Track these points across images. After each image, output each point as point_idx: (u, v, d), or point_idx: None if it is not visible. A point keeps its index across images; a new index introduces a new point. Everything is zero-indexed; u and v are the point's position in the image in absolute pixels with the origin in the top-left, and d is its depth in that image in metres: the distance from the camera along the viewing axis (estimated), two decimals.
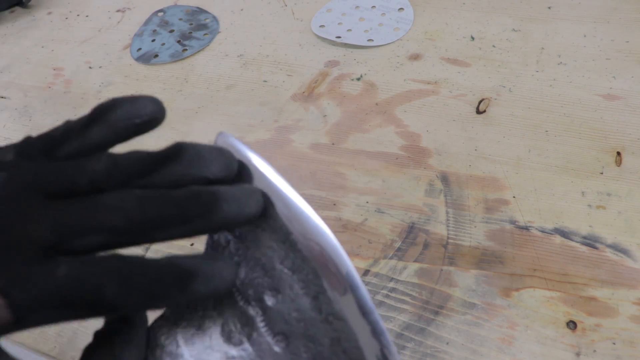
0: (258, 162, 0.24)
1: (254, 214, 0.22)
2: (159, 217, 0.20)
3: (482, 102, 0.52)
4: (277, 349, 0.22)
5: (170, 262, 0.21)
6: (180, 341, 0.24)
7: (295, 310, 0.22)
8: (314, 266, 0.22)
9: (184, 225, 0.21)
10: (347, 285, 0.22)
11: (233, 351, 0.23)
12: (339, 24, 0.64)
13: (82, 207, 0.20)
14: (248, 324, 0.23)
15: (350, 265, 0.22)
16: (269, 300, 0.22)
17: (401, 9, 0.64)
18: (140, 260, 0.20)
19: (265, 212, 0.23)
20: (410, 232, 0.43)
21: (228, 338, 0.23)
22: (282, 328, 0.22)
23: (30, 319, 0.18)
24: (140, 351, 0.23)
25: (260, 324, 0.23)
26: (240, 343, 0.23)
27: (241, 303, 0.23)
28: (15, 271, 0.18)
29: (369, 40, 0.61)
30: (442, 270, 0.40)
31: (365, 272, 0.41)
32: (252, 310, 0.23)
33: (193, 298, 0.20)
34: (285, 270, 0.22)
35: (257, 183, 0.23)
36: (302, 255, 0.22)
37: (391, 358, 0.21)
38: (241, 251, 0.23)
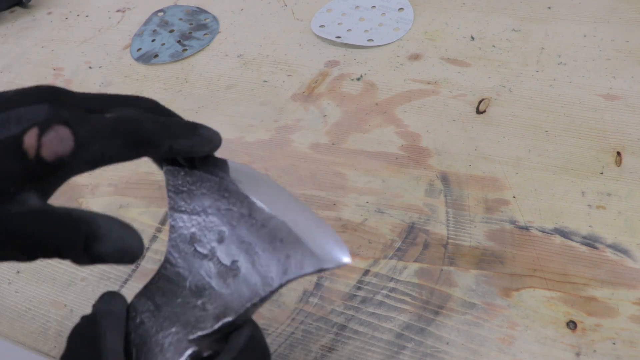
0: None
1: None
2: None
3: (482, 102, 0.52)
4: (235, 278, 0.26)
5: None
6: (159, 301, 0.27)
7: (238, 238, 0.26)
8: (242, 190, 0.26)
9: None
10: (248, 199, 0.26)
11: (203, 300, 0.27)
12: (339, 24, 0.64)
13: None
14: (207, 273, 0.27)
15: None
16: (217, 243, 0.27)
17: (401, 9, 0.64)
18: None
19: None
20: (410, 232, 0.43)
21: (197, 291, 0.27)
22: (230, 258, 0.26)
23: (87, 149, 0.22)
24: (121, 326, 0.26)
25: (215, 268, 0.27)
26: (206, 290, 0.27)
27: (199, 259, 0.27)
28: (76, 115, 0.23)
29: (369, 40, 0.61)
30: (442, 270, 0.40)
31: (365, 272, 0.41)
32: (207, 260, 0.27)
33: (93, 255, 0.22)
34: (221, 211, 0.27)
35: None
36: (230, 189, 0.27)
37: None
38: (193, 215, 0.28)
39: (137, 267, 0.45)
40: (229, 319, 0.25)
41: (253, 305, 0.25)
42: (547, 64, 0.54)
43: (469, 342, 0.37)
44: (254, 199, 0.26)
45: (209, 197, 0.27)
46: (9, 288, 0.46)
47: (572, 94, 0.51)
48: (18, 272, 0.46)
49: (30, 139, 0.21)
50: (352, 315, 0.39)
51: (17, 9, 0.80)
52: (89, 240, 0.22)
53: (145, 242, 0.46)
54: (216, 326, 0.25)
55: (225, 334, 0.26)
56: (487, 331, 0.37)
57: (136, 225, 0.48)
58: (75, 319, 0.42)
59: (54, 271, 0.46)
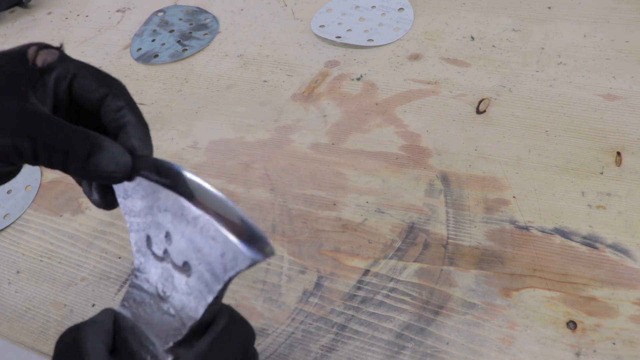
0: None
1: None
2: None
3: (482, 102, 0.52)
4: (189, 277, 0.26)
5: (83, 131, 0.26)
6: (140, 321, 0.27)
7: (181, 237, 0.26)
8: (171, 190, 0.26)
9: None
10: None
11: (168, 305, 0.27)
12: (339, 24, 0.64)
13: None
14: (167, 276, 0.27)
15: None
16: (167, 244, 0.26)
17: (401, 9, 0.64)
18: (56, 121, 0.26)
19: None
20: (410, 232, 0.43)
21: (164, 296, 0.27)
22: (181, 259, 0.26)
23: (65, 65, 0.28)
24: (103, 332, 0.27)
25: (172, 269, 0.26)
26: (170, 293, 0.27)
27: (158, 262, 0.27)
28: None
29: (369, 40, 0.61)
30: (442, 270, 0.40)
31: (365, 272, 0.41)
32: (165, 263, 0.27)
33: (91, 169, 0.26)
34: (161, 212, 0.27)
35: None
36: (160, 190, 0.27)
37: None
38: (140, 218, 0.28)
39: None
40: (195, 319, 0.25)
41: (212, 303, 0.25)
42: (547, 64, 0.54)
43: (469, 342, 0.37)
44: (181, 199, 0.25)
45: (148, 200, 0.27)
46: (9, 288, 0.46)
47: (572, 94, 0.51)
48: (18, 272, 0.46)
49: (31, 51, 0.28)
50: (352, 315, 0.39)
51: (17, 9, 0.80)
52: (94, 148, 0.25)
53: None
54: (185, 331, 0.25)
55: (199, 331, 0.26)
56: (487, 331, 0.37)
57: None
58: (76, 319, 0.42)
59: (54, 271, 0.46)
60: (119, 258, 0.46)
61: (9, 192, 0.53)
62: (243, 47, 0.64)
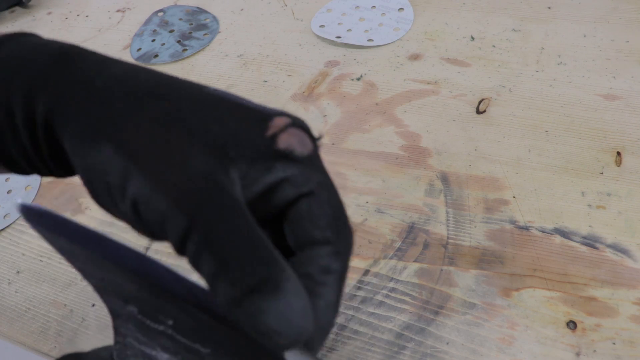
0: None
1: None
2: None
3: (482, 102, 0.52)
4: (205, 350, 0.22)
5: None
6: None
7: (186, 323, 0.22)
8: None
9: None
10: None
11: None
12: (339, 24, 0.64)
13: None
14: (173, 339, 0.23)
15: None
16: (166, 320, 0.22)
17: (401, 9, 0.64)
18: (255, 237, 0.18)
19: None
20: (410, 232, 0.43)
21: (170, 352, 0.23)
22: (194, 337, 0.22)
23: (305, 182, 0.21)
24: None
25: (179, 337, 0.22)
26: (178, 353, 0.23)
27: (154, 326, 0.23)
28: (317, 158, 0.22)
29: (369, 40, 0.61)
30: (442, 270, 0.40)
31: (365, 272, 0.41)
32: (165, 330, 0.23)
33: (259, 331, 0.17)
34: (153, 297, 0.22)
35: None
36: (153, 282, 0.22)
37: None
38: (118, 292, 0.23)
39: None
40: None
41: None
42: (547, 64, 0.54)
43: (469, 342, 0.37)
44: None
45: (125, 281, 0.22)
46: (9, 288, 0.46)
47: (572, 94, 0.51)
48: (18, 272, 0.46)
49: (279, 121, 0.20)
50: (352, 315, 0.39)
51: (17, 9, 0.80)
52: (268, 284, 0.17)
53: (145, 242, 0.46)
54: None
55: None
56: (487, 331, 0.37)
57: None
58: (76, 319, 0.42)
59: (54, 271, 0.46)
60: None
61: (9, 192, 0.53)
62: (243, 47, 0.64)
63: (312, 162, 0.21)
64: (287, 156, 0.19)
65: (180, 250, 0.18)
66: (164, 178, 0.18)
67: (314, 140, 0.21)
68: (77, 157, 0.20)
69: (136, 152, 0.18)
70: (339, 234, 0.20)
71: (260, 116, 0.20)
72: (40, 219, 0.21)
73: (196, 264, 0.18)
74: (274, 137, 0.20)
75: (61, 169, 0.23)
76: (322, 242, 0.20)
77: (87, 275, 0.23)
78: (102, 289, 0.23)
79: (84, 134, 0.19)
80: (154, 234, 0.19)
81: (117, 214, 0.20)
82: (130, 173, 0.18)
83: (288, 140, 0.20)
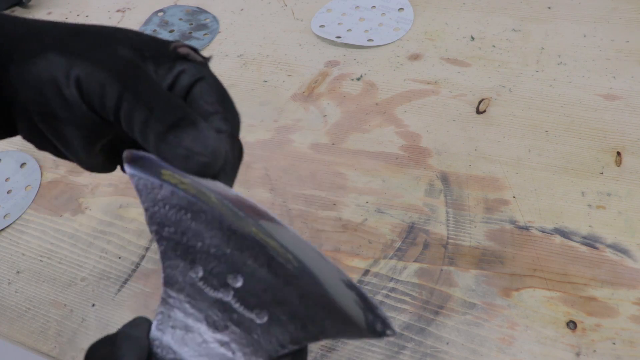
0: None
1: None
2: None
3: (482, 102, 0.52)
4: (259, 321, 0.24)
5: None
6: (175, 347, 0.25)
7: (258, 283, 0.23)
8: (257, 239, 0.23)
9: None
10: (289, 246, 0.23)
11: (224, 337, 0.24)
12: (339, 24, 0.64)
13: None
14: (226, 310, 0.24)
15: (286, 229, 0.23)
16: (234, 283, 0.24)
17: (401, 9, 0.64)
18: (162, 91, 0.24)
19: (197, 207, 0.24)
20: (410, 232, 0.43)
21: (215, 327, 0.24)
22: (256, 302, 0.24)
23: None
24: (141, 354, 0.24)
25: (236, 306, 0.24)
26: (226, 328, 0.24)
27: (212, 294, 0.24)
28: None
29: (369, 40, 0.61)
30: (442, 270, 0.40)
31: (365, 272, 0.41)
32: (224, 297, 0.24)
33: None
34: (235, 252, 0.24)
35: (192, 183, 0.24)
36: (242, 234, 0.23)
37: (350, 283, 0.22)
38: (191, 250, 0.24)
39: (136, 267, 0.45)
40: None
41: (285, 355, 0.24)
42: (547, 64, 0.54)
43: (469, 342, 0.37)
44: (272, 253, 0.23)
45: (209, 233, 0.24)
46: (9, 288, 0.46)
47: (572, 94, 0.51)
48: (18, 272, 0.46)
49: (178, 43, 0.26)
50: None
51: (17, 9, 0.80)
52: (184, 120, 0.23)
53: (145, 242, 0.46)
54: None
55: None
56: (487, 331, 0.37)
57: (136, 225, 0.49)
58: (76, 319, 0.42)
59: (54, 271, 0.46)
60: (119, 258, 0.46)
61: (9, 192, 0.53)
62: (243, 47, 0.64)
63: (203, 65, 0.27)
64: (184, 57, 0.26)
65: (116, 114, 0.24)
66: (100, 59, 0.24)
67: (205, 58, 0.27)
68: (23, 75, 0.25)
69: (76, 50, 0.24)
70: (226, 107, 0.26)
71: (165, 40, 0.27)
72: (144, 163, 0.24)
73: (129, 121, 0.23)
74: (175, 48, 0.26)
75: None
76: (213, 112, 0.26)
77: (168, 223, 0.24)
78: (174, 246, 0.25)
79: (30, 54, 0.25)
80: (91, 110, 0.25)
81: (61, 126, 0.25)
82: (73, 62, 0.24)
83: (184, 50, 0.26)
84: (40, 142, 0.28)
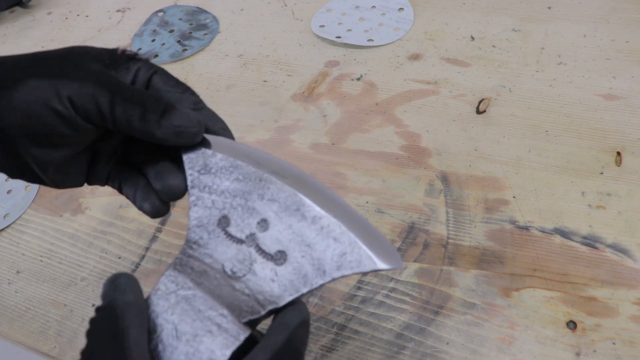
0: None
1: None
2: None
3: (482, 102, 0.52)
4: (280, 266, 0.26)
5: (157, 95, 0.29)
6: (191, 283, 0.27)
7: (285, 229, 0.27)
8: (287, 185, 0.27)
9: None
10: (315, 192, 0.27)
11: (241, 285, 0.27)
12: (339, 24, 0.64)
13: None
14: (245, 259, 0.27)
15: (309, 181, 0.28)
16: (257, 230, 0.27)
17: (401, 9, 0.64)
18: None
19: (233, 164, 0.28)
20: (410, 232, 0.43)
21: (234, 276, 0.27)
22: (276, 248, 0.27)
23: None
24: (143, 320, 0.25)
25: (256, 254, 0.27)
26: (244, 274, 0.27)
27: (235, 242, 0.27)
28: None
29: (369, 40, 0.61)
30: (442, 270, 0.40)
31: (365, 272, 0.41)
32: (245, 246, 0.27)
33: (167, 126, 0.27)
34: (264, 201, 0.27)
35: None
36: (273, 181, 0.27)
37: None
38: (223, 198, 0.28)
39: (136, 267, 0.45)
40: (276, 305, 0.26)
41: (302, 295, 0.26)
42: (547, 64, 0.54)
43: (469, 342, 0.37)
44: (302, 196, 0.26)
45: (246, 184, 0.28)
46: (9, 288, 0.46)
47: (572, 94, 0.51)
48: (18, 272, 0.46)
49: (121, 48, 0.31)
50: (352, 315, 0.39)
51: (17, 9, 0.80)
52: (168, 107, 0.27)
53: (145, 242, 0.46)
54: (263, 312, 0.26)
55: (273, 312, 0.26)
56: (487, 331, 0.37)
57: (136, 225, 0.49)
58: (76, 319, 0.42)
59: (54, 271, 0.46)
60: (119, 258, 0.46)
61: (9, 192, 0.53)
62: (243, 47, 0.64)
63: (148, 61, 0.31)
64: (134, 57, 0.30)
65: (112, 119, 0.27)
66: (81, 76, 0.27)
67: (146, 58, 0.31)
68: (10, 101, 0.27)
69: (52, 74, 0.27)
70: (183, 87, 0.31)
71: (111, 48, 0.31)
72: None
73: (127, 120, 0.27)
74: (123, 52, 0.30)
75: None
76: (180, 93, 0.30)
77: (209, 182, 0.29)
78: (206, 199, 0.28)
79: (11, 82, 0.27)
80: (88, 122, 0.28)
81: (56, 139, 0.28)
82: (57, 84, 0.27)
83: (131, 52, 0.31)
84: (16, 169, 0.29)
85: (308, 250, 0.26)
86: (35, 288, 0.45)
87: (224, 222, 0.28)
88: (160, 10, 0.73)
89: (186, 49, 0.65)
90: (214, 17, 0.70)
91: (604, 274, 0.38)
